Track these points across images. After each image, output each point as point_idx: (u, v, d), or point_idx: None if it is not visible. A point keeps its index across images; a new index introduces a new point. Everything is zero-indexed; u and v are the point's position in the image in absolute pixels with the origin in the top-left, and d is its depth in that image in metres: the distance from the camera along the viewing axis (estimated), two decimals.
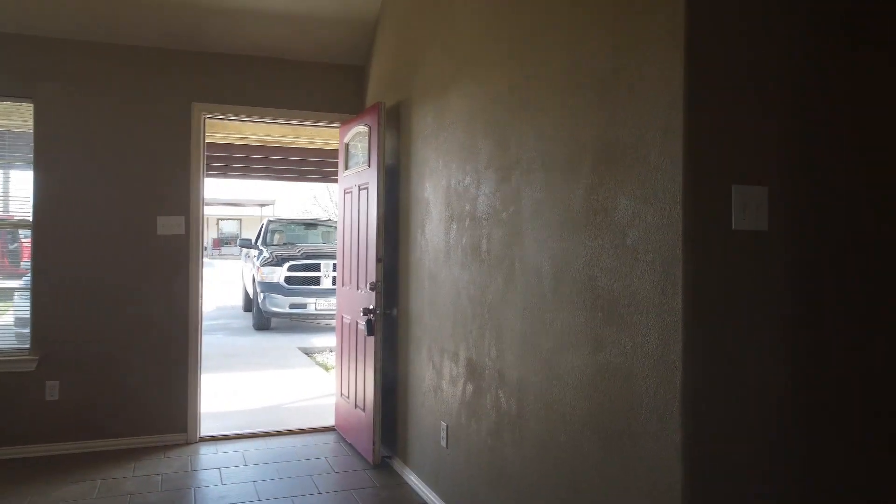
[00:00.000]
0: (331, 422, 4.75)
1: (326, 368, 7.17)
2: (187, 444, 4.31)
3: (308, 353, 8.24)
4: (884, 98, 1.96)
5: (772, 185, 1.81)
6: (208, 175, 8.87)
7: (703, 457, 1.74)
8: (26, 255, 4.28)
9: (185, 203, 4.35)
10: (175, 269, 4.32)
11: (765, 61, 1.81)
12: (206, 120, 4.52)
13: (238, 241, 15.55)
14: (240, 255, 14.35)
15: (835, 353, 1.90)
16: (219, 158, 7.74)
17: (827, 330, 1.89)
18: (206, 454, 4.14)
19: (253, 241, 11.41)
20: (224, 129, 6.45)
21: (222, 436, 4.47)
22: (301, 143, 7.12)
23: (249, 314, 11.32)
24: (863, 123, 1.94)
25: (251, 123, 5.74)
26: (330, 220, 13.60)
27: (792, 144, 1.84)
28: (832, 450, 1.89)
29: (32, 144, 4.10)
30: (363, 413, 4.05)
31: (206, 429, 4.51)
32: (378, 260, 3.88)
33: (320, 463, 3.99)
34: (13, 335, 4.21)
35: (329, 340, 9.08)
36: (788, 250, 1.83)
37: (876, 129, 1.95)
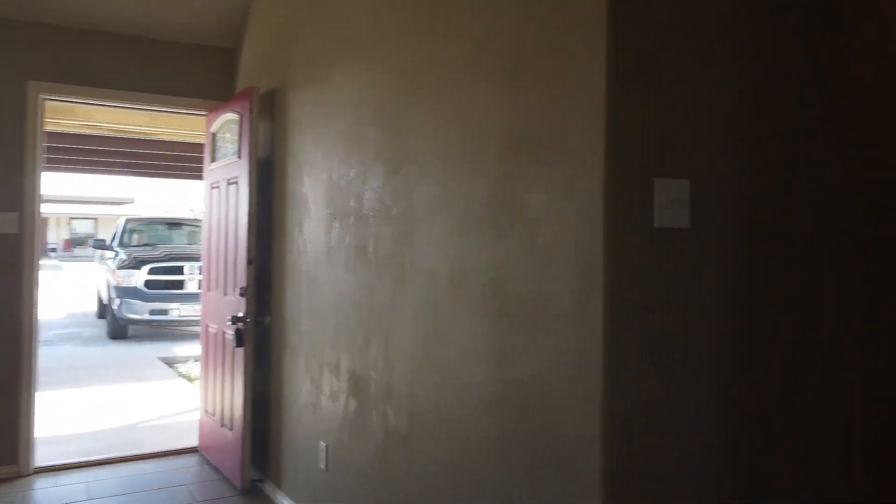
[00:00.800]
0: (194, 442, 4.27)
1: (191, 380, 6.59)
2: (19, 477, 3.70)
3: (170, 363, 7.57)
4: (809, 91, 1.87)
5: (693, 179, 1.66)
6: (51, 168, 8.00)
7: (628, 483, 1.56)
8: None
9: (18, 198, 3.74)
10: (4, 271, 3.70)
11: (688, 51, 1.66)
12: (46, 102, 3.92)
13: (91, 241, 14.26)
14: (94, 257, 13.17)
15: (767, 358, 1.78)
16: (66, 150, 6.95)
17: (757, 335, 1.76)
18: (42, 489, 3.56)
19: (108, 242, 10.45)
20: (72, 116, 5.74)
21: (64, 465, 3.88)
22: (162, 133, 6.50)
23: (104, 322, 10.35)
24: (789, 117, 1.84)
25: (103, 110, 5.13)
26: (196, 219, 12.75)
27: (715, 138, 1.70)
28: (769, 462, 1.77)
29: None
30: (230, 432, 3.64)
31: (43, 457, 3.90)
32: (249, 262, 3.49)
33: (180, 492, 3.53)
34: None
35: (194, 349, 8.42)
36: (713, 249, 1.69)
37: (802, 123, 1.86)
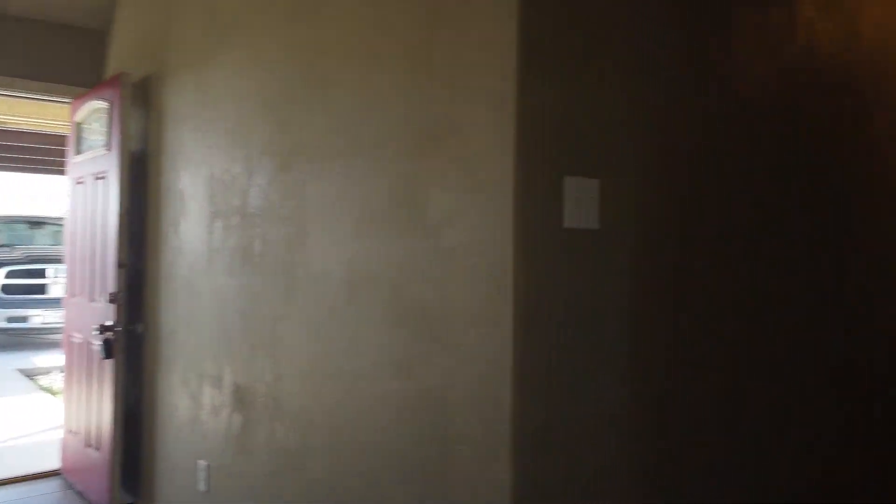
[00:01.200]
0: (56, 464, 3.85)
1: (53, 393, 6.01)
2: None
3: (30, 375, 6.90)
4: (725, 90, 1.86)
5: (604, 179, 1.59)
6: None
7: (538, 500, 1.46)
8: None
9: None
10: None
11: (601, 50, 1.60)
12: None
13: None
14: None
15: (680, 367, 1.74)
16: None
17: (666, 340, 1.72)
18: None
19: None
20: None
21: None
22: (23, 123, 5.91)
23: None
24: (704, 117, 1.82)
25: None
26: (62, 217, 11.77)
27: (625, 138, 1.65)
28: (683, 474, 1.73)
29: None
30: (97, 452, 3.29)
31: None
32: (119, 265, 3.16)
33: None
34: None
35: (58, 359, 7.72)
36: (622, 250, 1.63)
37: (717, 124, 1.84)
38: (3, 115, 5.58)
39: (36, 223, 10.54)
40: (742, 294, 1.94)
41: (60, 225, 10.36)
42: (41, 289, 8.30)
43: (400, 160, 1.73)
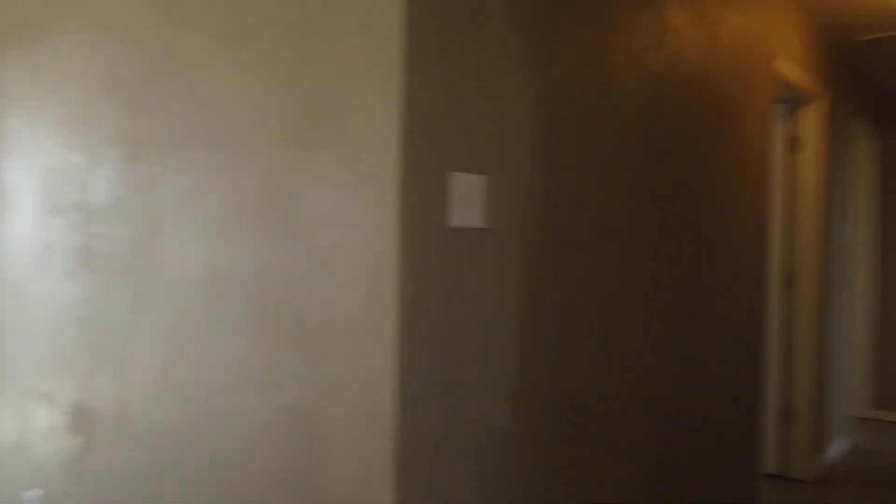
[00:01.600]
0: None
1: None
2: None
3: None
4: (604, 91, 1.85)
5: (491, 176, 1.53)
6: None
7: None
8: None
9: None
10: None
11: (488, 37, 1.53)
12: None
13: None
14: None
15: (573, 379, 1.70)
16: None
17: (557, 347, 1.68)
18: None
19: None
20: None
21: None
22: None
23: None
24: (583, 116, 1.80)
25: None
26: None
27: (513, 134, 1.60)
28: (573, 487, 1.69)
29: None
30: None
31: None
32: None
33: None
34: None
35: None
36: (509, 251, 1.57)
37: (595, 125, 1.83)
38: None
39: None
40: (623, 295, 1.95)
41: None
42: None
43: (271, 152, 1.58)
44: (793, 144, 4.03)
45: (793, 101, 3.95)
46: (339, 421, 1.41)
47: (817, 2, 3.64)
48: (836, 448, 4.48)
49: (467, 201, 1.46)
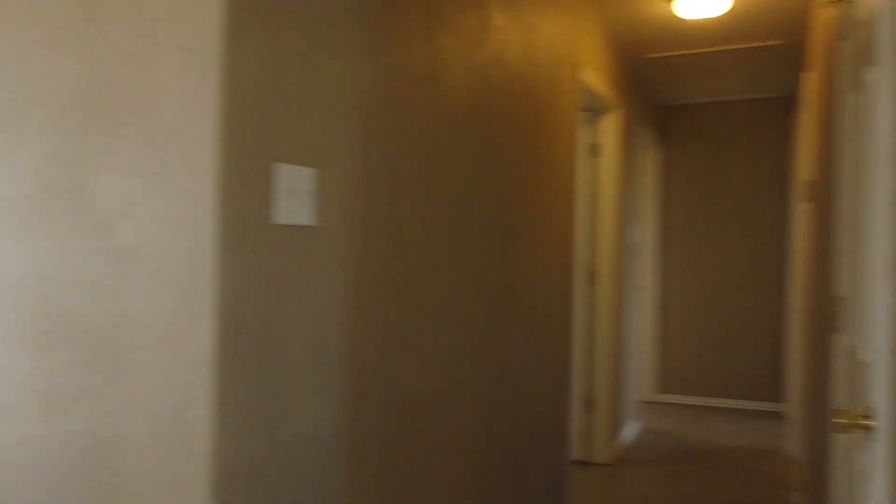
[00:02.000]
0: None
1: None
2: None
3: None
4: (433, 86, 1.78)
5: (322, 169, 1.41)
6: None
7: None
8: None
9: None
10: None
11: (315, 13, 1.41)
12: None
13: None
14: None
15: (405, 381, 1.61)
16: None
17: (393, 354, 1.58)
18: None
19: None
20: None
21: None
22: None
23: None
24: (414, 111, 1.71)
25: None
26: None
27: (344, 124, 1.48)
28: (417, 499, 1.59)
29: None
30: None
31: None
32: None
33: None
34: None
35: None
36: (342, 251, 1.46)
37: (425, 120, 1.76)
38: None
39: None
40: (451, 293, 1.91)
41: None
42: None
43: (55, 135, 1.33)
44: (594, 150, 4.31)
45: (594, 109, 4.22)
46: (142, 450, 1.21)
47: (614, 19, 3.91)
48: (629, 431, 4.87)
49: (295, 196, 1.33)
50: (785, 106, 5.66)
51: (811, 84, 3.55)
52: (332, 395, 1.46)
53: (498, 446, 2.42)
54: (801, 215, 4.35)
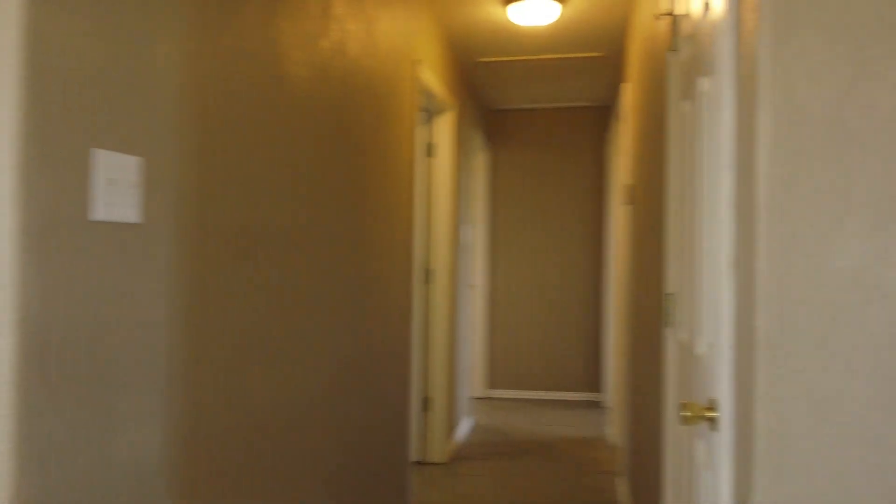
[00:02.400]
0: None
1: None
2: None
3: None
4: (273, 75, 1.62)
5: (148, 158, 1.22)
6: None
7: None
8: None
9: None
10: None
11: None
12: None
13: None
14: None
15: (251, 395, 1.44)
16: None
17: (237, 366, 1.41)
18: None
19: None
20: None
21: None
22: None
23: None
24: (251, 99, 1.55)
25: None
26: None
27: (171, 104, 1.30)
28: None
29: None
30: None
31: None
32: None
33: None
34: None
35: None
36: (176, 254, 1.28)
37: (265, 111, 1.60)
38: None
39: None
40: (297, 297, 1.77)
41: None
42: None
43: None
44: (430, 150, 4.31)
45: (430, 109, 4.22)
46: None
47: (450, 20, 3.94)
48: (464, 428, 4.94)
49: (117, 189, 1.14)
50: (603, 115, 6.05)
51: (629, 95, 3.79)
52: (161, 422, 1.28)
53: (348, 457, 2.31)
54: (620, 217, 4.65)
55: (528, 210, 6.15)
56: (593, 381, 6.05)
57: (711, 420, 1.37)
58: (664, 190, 2.22)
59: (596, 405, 5.90)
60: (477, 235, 6.00)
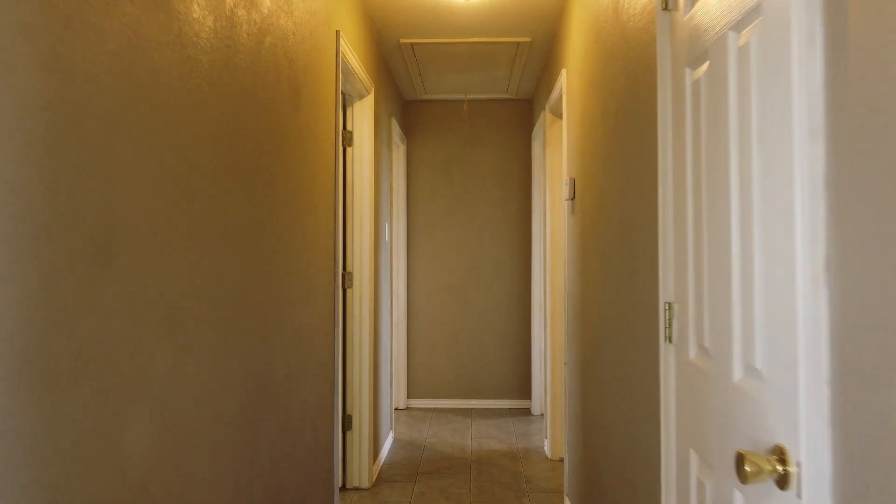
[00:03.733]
0: None
1: None
2: None
3: None
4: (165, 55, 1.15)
5: None
6: None
7: None
8: None
9: None
10: None
11: None
12: None
13: None
14: None
15: (150, 465, 0.97)
16: None
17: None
18: None
19: None
20: None
21: None
22: None
23: None
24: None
25: None
26: None
27: (19, 62, 0.82)
28: None
29: None
30: None
31: None
32: None
33: None
34: None
35: None
36: (14, 262, 0.80)
37: (161, 91, 1.12)
38: None
39: None
40: (193, 309, 1.31)
41: None
42: None
43: None
44: (347, 138, 3.85)
45: (349, 92, 3.76)
46: None
47: None
48: (388, 446, 4.51)
49: None
50: (527, 108, 5.77)
51: (571, 81, 3.49)
52: None
53: (267, 497, 1.85)
54: (559, 214, 4.36)
55: (447, 208, 5.78)
56: (520, 387, 5.75)
57: (782, 476, 1.03)
58: (647, 184, 1.89)
59: (524, 413, 5.60)
60: (394, 235, 5.57)
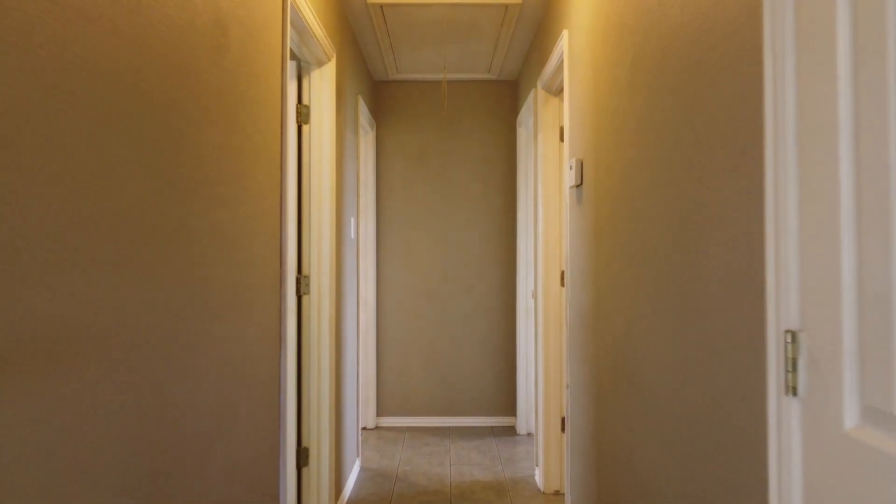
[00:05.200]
0: None
1: None
2: None
3: None
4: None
5: None
6: None
7: None
8: None
9: None
10: None
11: None
12: None
13: None
14: None
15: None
16: None
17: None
18: None
19: None
20: None
21: None
22: None
23: None
24: None
25: None
26: None
27: None
28: None
29: None
30: None
31: None
32: None
33: None
34: None
35: None
36: None
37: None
38: None
39: None
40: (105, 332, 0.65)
41: None
42: None
43: None
44: (302, 114, 3.18)
45: (304, 57, 3.10)
46: None
47: None
48: (353, 479, 3.85)
49: None
50: (511, 89, 5.15)
51: (575, 45, 2.87)
52: None
53: None
54: (561, 207, 3.75)
55: (422, 201, 5.14)
56: (504, 403, 5.13)
57: None
58: (737, 145, 1.28)
59: (508, 432, 4.97)
60: (361, 231, 4.91)
